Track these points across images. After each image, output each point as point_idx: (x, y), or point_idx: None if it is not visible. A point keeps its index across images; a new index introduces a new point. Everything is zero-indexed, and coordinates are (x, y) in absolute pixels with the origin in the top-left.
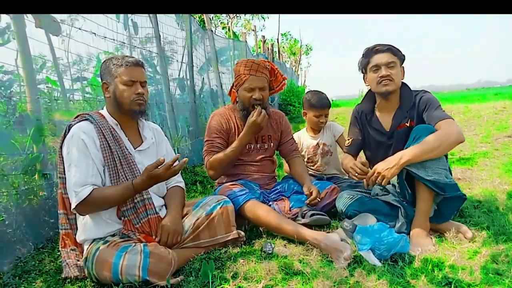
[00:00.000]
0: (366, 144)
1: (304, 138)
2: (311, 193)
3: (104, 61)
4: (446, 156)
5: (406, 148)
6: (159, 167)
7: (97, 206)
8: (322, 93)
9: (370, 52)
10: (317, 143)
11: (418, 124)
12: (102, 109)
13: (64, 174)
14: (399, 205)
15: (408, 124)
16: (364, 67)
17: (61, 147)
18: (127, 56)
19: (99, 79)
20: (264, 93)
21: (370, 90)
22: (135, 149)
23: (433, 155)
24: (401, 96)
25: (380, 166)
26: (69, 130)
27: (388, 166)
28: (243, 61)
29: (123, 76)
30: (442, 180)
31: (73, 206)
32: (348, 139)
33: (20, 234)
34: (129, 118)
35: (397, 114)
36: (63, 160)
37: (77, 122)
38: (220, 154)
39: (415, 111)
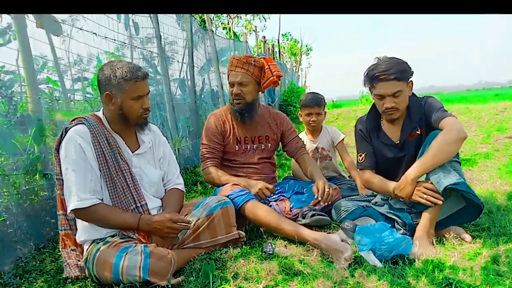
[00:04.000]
0: (376, 160)
1: (304, 142)
2: (318, 191)
3: (106, 69)
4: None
5: (419, 155)
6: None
7: (95, 220)
8: (316, 93)
9: (374, 79)
10: (316, 147)
11: (427, 129)
12: (99, 110)
13: (62, 176)
14: (393, 217)
15: (418, 132)
16: (369, 88)
17: (57, 149)
18: (132, 66)
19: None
20: (245, 89)
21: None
22: (132, 153)
23: (439, 159)
24: (409, 106)
25: (396, 189)
26: (65, 133)
27: (400, 186)
28: (229, 59)
29: (132, 93)
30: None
31: (71, 208)
32: (360, 155)
33: (21, 234)
34: (125, 125)
35: (406, 124)
36: (59, 162)
37: (73, 126)
38: (219, 175)
39: (424, 118)
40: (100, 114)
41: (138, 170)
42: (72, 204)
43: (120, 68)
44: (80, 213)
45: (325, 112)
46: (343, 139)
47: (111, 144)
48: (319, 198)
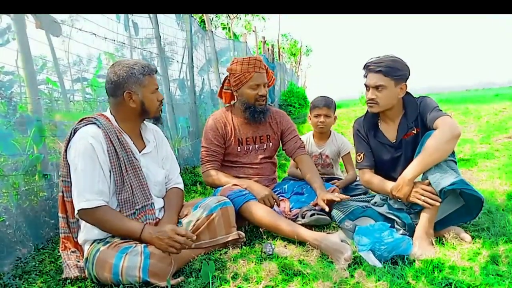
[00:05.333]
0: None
1: (308, 144)
2: (329, 201)
3: (120, 69)
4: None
5: (416, 155)
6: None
7: (99, 222)
8: (327, 96)
9: (365, 68)
10: (320, 153)
11: (423, 129)
12: (105, 111)
13: (68, 178)
14: (393, 217)
15: (415, 132)
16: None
17: (65, 151)
18: (144, 62)
19: (99, 80)
20: (266, 89)
21: None
22: (140, 152)
23: (435, 158)
24: (405, 106)
25: (393, 190)
26: (74, 133)
27: (398, 187)
28: (242, 59)
29: (151, 86)
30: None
31: (77, 208)
32: (359, 154)
33: (20, 235)
34: (138, 122)
35: (402, 123)
36: (67, 164)
37: (83, 126)
38: (220, 177)
39: (419, 117)
40: (107, 114)
41: (145, 169)
42: (79, 204)
43: (135, 65)
44: (85, 213)
45: (335, 117)
46: (349, 152)
47: (122, 143)
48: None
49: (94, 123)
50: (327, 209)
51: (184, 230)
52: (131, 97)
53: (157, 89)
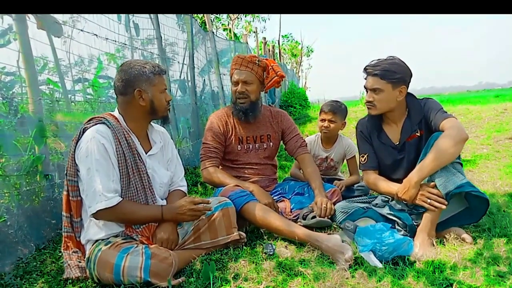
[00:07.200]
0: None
1: (315, 146)
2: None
3: (132, 67)
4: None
5: (421, 157)
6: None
7: (120, 217)
8: (337, 101)
9: (364, 71)
10: (326, 157)
11: (427, 131)
12: (107, 111)
13: (75, 177)
14: (394, 218)
15: (418, 134)
16: None
17: (74, 150)
18: (154, 62)
19: (100, 80)
20: (250, 88)
21: None
22: (146, 153)
23: (442, 161)
24: (409, 108)
25: (399, 192)
26: (83, 132)
27: (404, 189)
28: (233, 58)
29: (160, 86)
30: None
31: (98, 208)
32: (363, 156)
33: (21, 235)
34: (146, 122)
35: (406, 125)
36: (75, 163)
37: (93, 125)
38: (219, 176)
39: (423, 120)
40: (115, 113)
41: (151, 171)
42: (100, 204)
43: (146, 64)
44: (106, 213)
45: (344, 123)
46: (354, 156)
47: (129, 144)
48: (317, 216)
49: (104, 122)
50: (315, 211)
51: (199, 198)
52: (141, 95)
53: (165, 89)
